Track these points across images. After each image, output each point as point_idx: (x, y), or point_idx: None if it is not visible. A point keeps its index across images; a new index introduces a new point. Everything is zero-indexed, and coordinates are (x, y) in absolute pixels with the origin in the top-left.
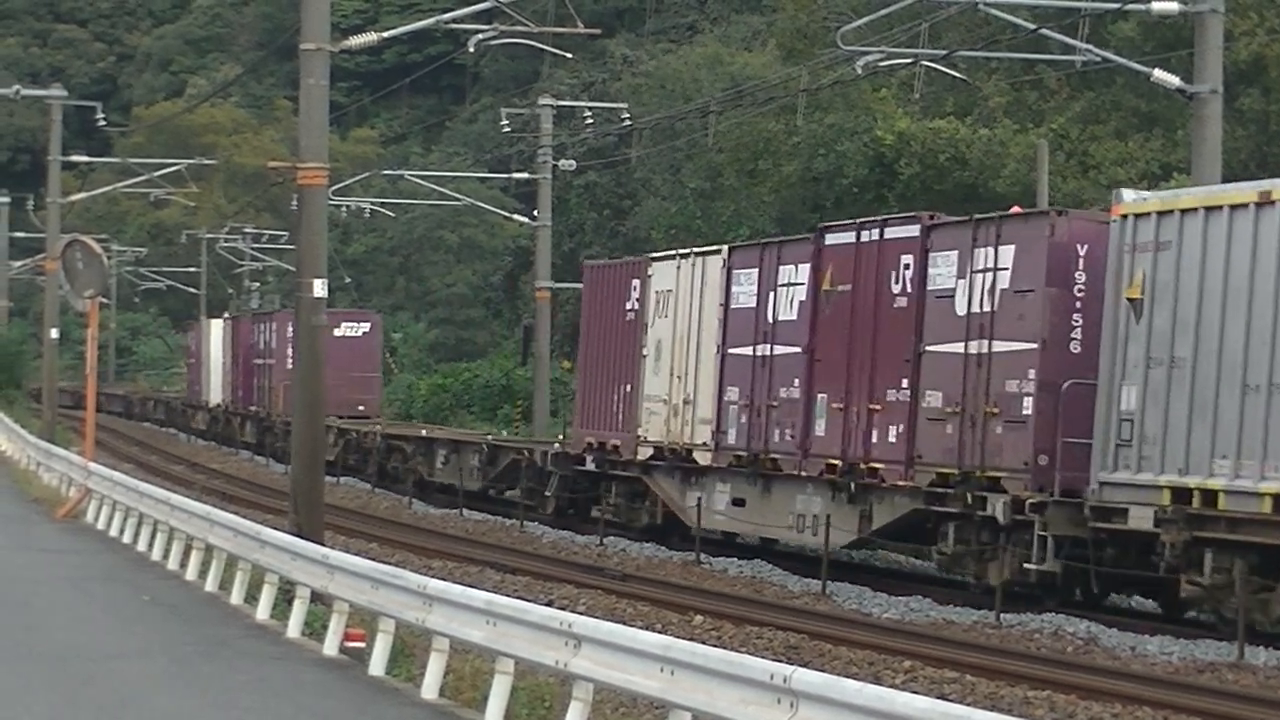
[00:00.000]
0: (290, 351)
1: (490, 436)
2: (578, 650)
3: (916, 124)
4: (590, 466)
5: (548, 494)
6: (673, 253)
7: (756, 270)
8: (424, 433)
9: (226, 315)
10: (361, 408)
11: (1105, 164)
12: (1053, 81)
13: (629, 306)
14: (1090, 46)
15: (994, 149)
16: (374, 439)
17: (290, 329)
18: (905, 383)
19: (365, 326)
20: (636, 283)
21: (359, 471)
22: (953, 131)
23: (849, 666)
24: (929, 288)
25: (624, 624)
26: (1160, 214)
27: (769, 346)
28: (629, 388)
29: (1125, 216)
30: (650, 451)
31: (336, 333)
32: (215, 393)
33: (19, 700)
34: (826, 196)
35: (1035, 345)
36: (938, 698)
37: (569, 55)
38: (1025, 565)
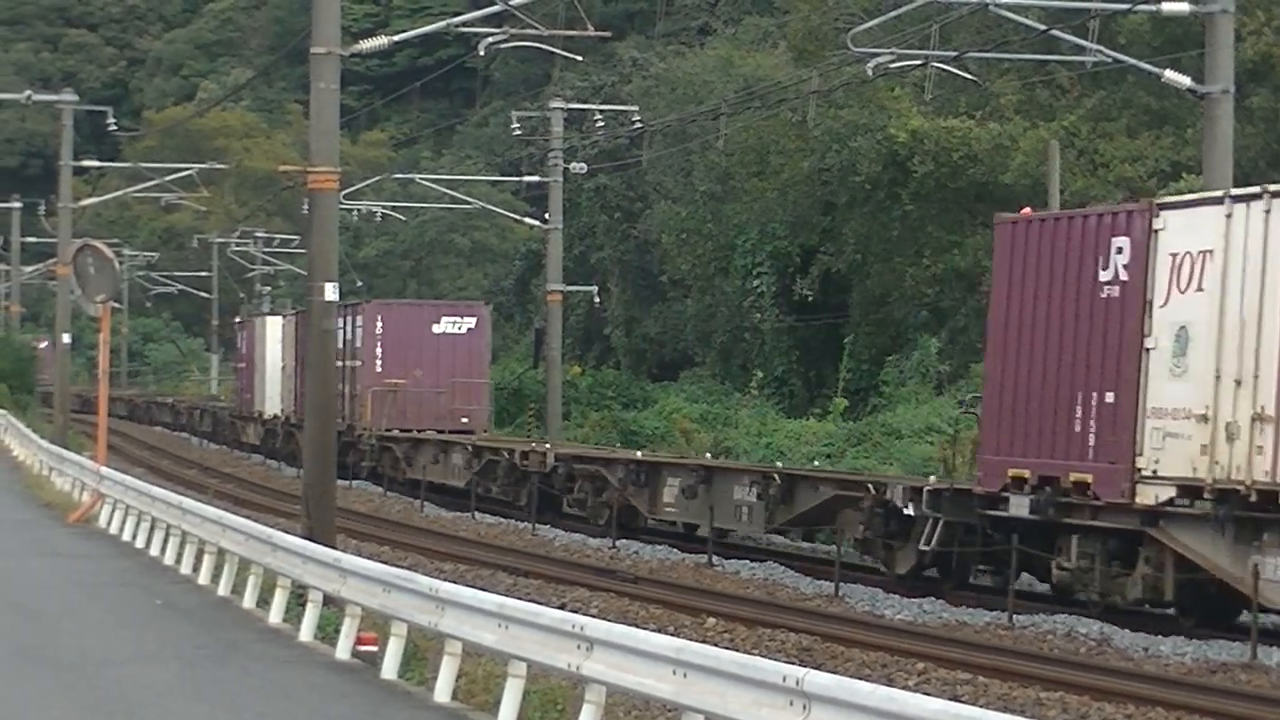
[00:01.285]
0: (380, 350)
1: (779, 464)
2: (590, 653)
3: (930, 122)
4: (1019, 512)
5: (924, 547)
6: (1215, 194)
7: None
8: (639, 455)
9: (288, 311)
10: (465, 420)
11: (1114, 162)
12: (1064, 80)
13: (1106, 276)
14: (1100, 47)
15: (1002, 143)
16: (541, 461)
17: (380, 323)
18: None
19: (470, 322)
20: (1123, 242)
21: (509, 504)
22: (965, 130)
23: (862, 669)
24: None
25: (636, 627)
26: None
27: None
28: (1111, 397)
29: None
30: (1169, 492)
31: (435, 329)
32: (272, 402)
33: (32, 705)
34: (839, 194)
35: None
36: (950, 699)
37: (579, 58)
38: None
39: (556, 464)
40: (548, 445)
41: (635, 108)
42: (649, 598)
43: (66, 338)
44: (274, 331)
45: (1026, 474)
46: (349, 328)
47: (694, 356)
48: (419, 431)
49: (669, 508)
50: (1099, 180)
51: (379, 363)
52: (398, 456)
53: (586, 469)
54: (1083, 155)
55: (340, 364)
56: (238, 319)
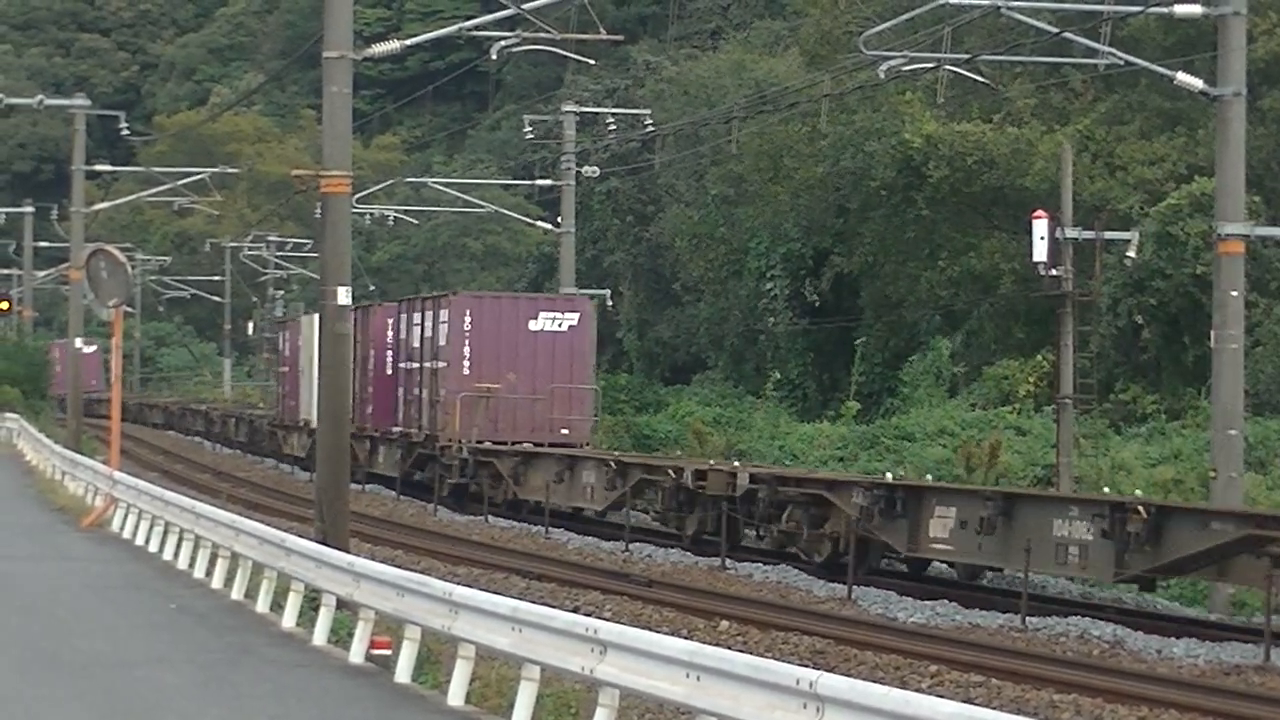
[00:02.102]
0: (469, 350)
1: (1139, 493)
2: (603, 656)
3: (944, 126)
4: None
5: None
6: None
7: None
8: (889, 478)
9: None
10: (565, 431)
11: (1132, 164)
12: (1078, 83)
13: None
14: (1113, 50)
15: (1020, 148)
16: (728, 483)
17: (468, 318)
18: None
19: (572, 318)
20: None
21: (669, 536)
22: (980, 134)
23: (875, 671)
24: None
25: (649, 630)
26: None
27: None
28: None
29: None
30: None
31: (532, 325)
32: (309, 408)
33: (46, 708)
34: (852, 199)
35: None
36: (964, 702)
37: (592, 62)
38: None
39: (755, 486)
40: (735, 463)
41: (647, 111)
42: (662, 601)
43: (79, 342)
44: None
45: None
46: (430, 323)
47: (706, 360)
48: (512, 444)
49: (940, 544)
50: (1117, 183)
51: (467, 364)
52: (501, 474)
53: (800, 493)
54: (1098, 159)
55: (412, 366)
56: (280, 318)
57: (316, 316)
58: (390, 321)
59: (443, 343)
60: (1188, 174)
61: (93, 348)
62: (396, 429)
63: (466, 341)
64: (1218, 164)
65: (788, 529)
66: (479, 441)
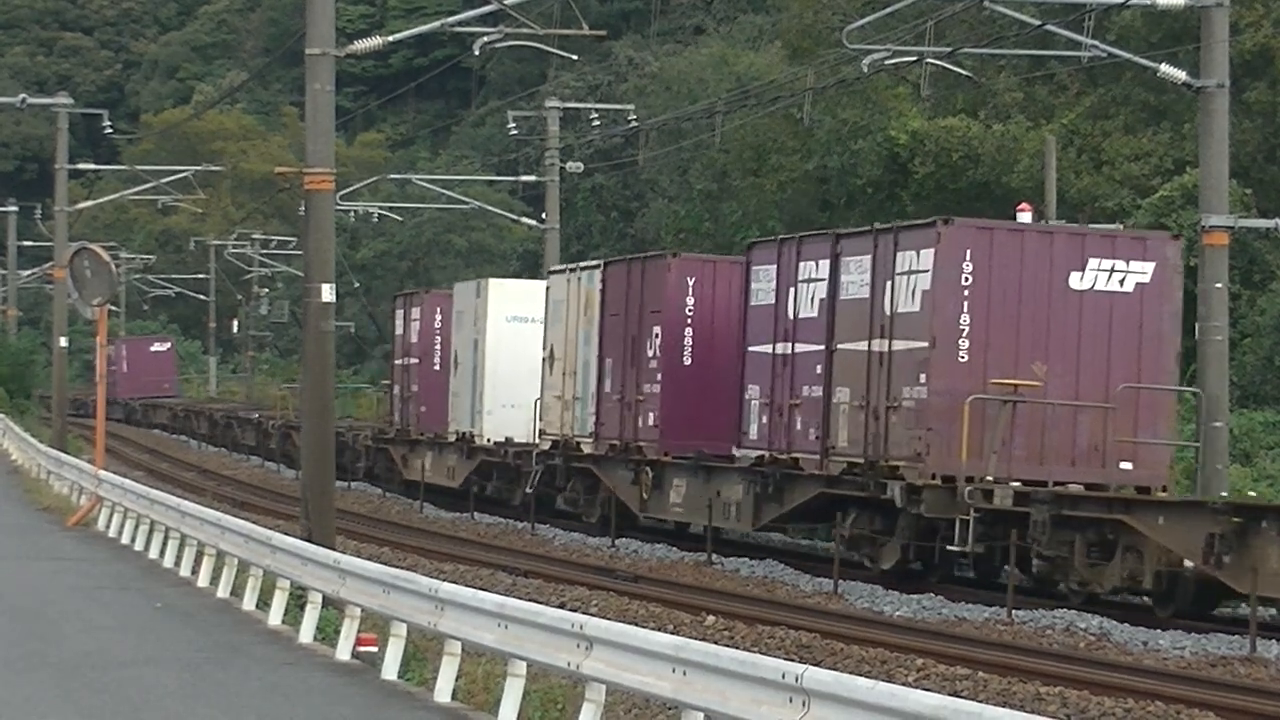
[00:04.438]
0: (968, 321)
1: None
2: (590, 652)
3: (930, 123)
4: None
5: None
6: None
7: None
8: None
9: (571, 266)
10: (1128, 465)
11: (1118, 159)
12: (1064, 76)
13: None
14: (1096, 42)
15: (1006, 145)
16: None
17: (968, 266)
18: None
19: (1142, 271)
20: None
21: None
22: (965, 129)
23: (861, 665)
24: None
25: (636, 625)
26: None
27: None
28: None
29: None
30: None
31: (1075, 282)
32: (497, 419)
33: (32, 710)
34: (837, 195)
35: None
36: (950, 695)
37: (575, 57)
38: None
39: None
40: None
41: (631, 106)
42: (648, 596)
43: (64, 341)
44: (512, 303)
45: None
46: (859, 275)
47: None
48: (1055, 484)
49: None
50: (1104, 178)
51: (965, 346)
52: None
53: None
54: (1083, 154)
55: (808, 347)
56: (403, 291)
57: (496, 283)
58: (694, 281)
59: (911, 307)
60: (1174, 168)
61: (166, 345)
62: (747, 451)
63: (965, 307)
64: (1201, 156)
65: None
66: (996, 479)
